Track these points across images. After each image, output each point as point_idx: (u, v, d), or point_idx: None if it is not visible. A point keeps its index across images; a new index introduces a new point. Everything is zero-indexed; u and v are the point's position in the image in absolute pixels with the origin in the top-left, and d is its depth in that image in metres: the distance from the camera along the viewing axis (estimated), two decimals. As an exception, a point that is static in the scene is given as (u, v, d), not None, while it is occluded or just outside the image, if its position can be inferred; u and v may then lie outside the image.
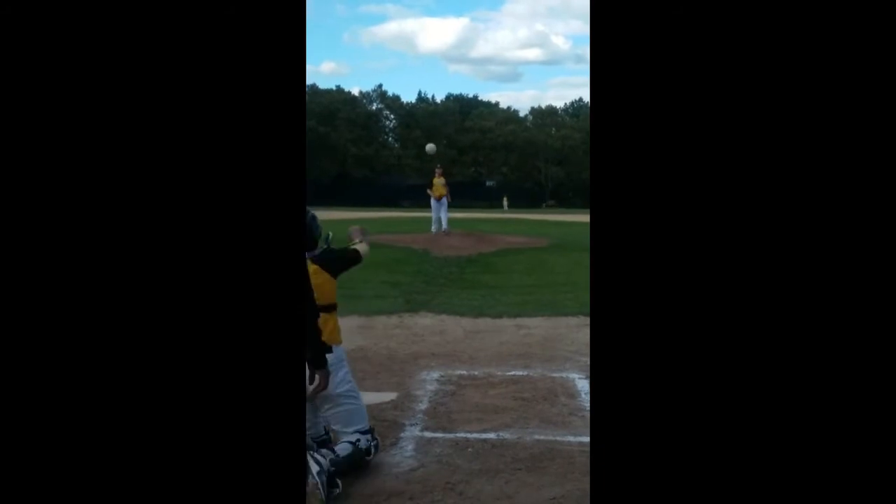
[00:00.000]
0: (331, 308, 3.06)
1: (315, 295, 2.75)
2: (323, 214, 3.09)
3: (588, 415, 3.55)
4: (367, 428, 3.08)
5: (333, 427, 3.09)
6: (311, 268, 2.92)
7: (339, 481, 2.82)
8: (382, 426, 3.54)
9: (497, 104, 55.94)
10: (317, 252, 3.11)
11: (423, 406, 4.00)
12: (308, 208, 3.13)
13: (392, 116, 53.00)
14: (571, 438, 3.46)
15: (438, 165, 15.75)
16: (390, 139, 52.56)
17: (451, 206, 15.77)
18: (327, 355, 2.66)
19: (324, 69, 78.06)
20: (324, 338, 2.69)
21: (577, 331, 5.91)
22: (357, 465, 2.97)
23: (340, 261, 3.21)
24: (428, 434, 3.56)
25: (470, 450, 3.33)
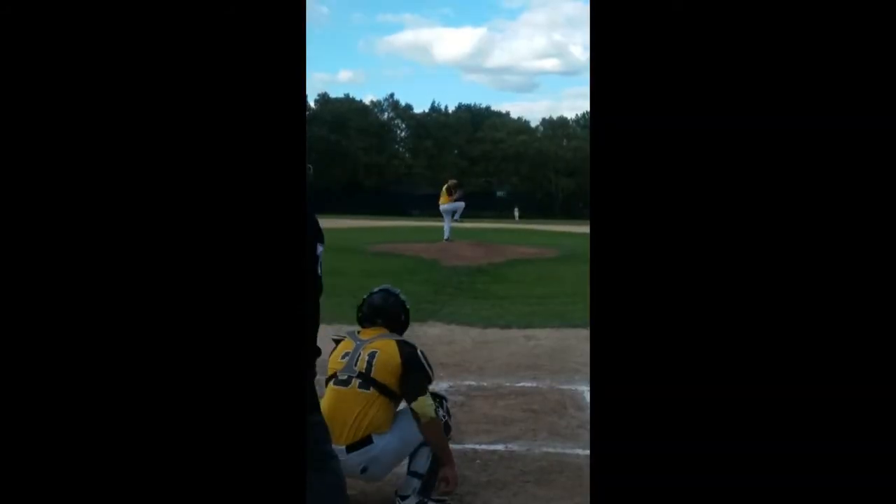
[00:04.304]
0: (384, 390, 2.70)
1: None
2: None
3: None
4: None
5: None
6: (390, 345, 2.74)
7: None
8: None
9: (508, 114, 56.22)
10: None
11: (432, 416, 3.98)
12: (394, 288, 3.03)
13: (403, 126, 53.24)
14: (580, 451, 3.42)
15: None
16: (401, 149, 52.78)
17: (461, 215, 16.05)
18: (369, 448, 2.56)
19: (340, 77, 78.86)
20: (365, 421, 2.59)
21: (586, 342, 5.78)
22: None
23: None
24: (436, 445, 3.53)
25: (478, 461, 3.31)
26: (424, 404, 2.66)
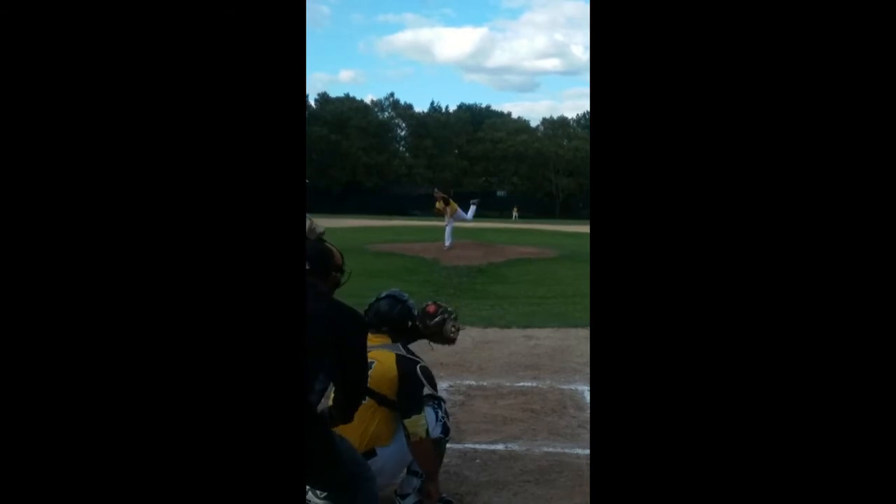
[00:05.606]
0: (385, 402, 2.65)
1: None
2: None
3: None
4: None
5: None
6: (389, 357, 2.68)
7: None
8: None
9: (509, 114, 56.11)
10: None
11: (432, 416, 3.99)
12: (402, 293, 2.92)
13: (403, 125, 53.19)
14: (580, 451, 3.43)
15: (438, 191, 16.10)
16: (402, 148, 52.74)
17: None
18: (373, 461, 2.47)
19: (340, 77, 78.95)
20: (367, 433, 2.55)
21: (586, 342, 5.86)
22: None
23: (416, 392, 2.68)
24: (436, 444, 3.54)
25: (478, 461, 3.31)
26: (416, 423, 2.61)
